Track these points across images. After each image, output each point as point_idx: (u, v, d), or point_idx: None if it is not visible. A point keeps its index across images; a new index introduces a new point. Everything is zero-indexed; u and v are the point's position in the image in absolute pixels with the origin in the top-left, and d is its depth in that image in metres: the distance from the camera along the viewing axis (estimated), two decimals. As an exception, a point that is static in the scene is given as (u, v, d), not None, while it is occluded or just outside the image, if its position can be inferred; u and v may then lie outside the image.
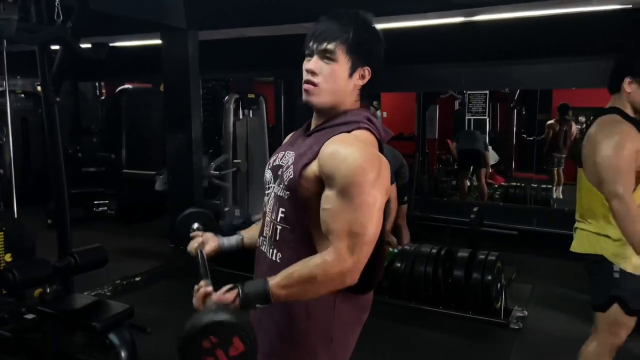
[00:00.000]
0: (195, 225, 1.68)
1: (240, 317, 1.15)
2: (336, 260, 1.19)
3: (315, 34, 1.32)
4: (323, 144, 1.27)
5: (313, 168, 1.26)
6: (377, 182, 1.21)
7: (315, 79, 1.32)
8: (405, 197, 4.58)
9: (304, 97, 1.35)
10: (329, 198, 1.23)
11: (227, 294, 1.24)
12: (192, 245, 1.59)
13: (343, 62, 1.30)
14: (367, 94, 1.38)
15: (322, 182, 1.25)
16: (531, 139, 7.64)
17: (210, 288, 1.27)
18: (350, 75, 1.32)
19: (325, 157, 1.24)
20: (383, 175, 1.24)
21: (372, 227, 1.21)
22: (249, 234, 1.63)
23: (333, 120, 1.34)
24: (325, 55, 1.30)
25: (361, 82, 1.34)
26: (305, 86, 1.34)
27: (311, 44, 1.33)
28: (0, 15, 2.50)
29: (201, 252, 1.55)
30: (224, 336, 1.09)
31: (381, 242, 1.31)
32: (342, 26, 1.30)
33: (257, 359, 1.40)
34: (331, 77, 1.31)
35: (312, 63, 1.32)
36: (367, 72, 1.33)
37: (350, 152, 1.21)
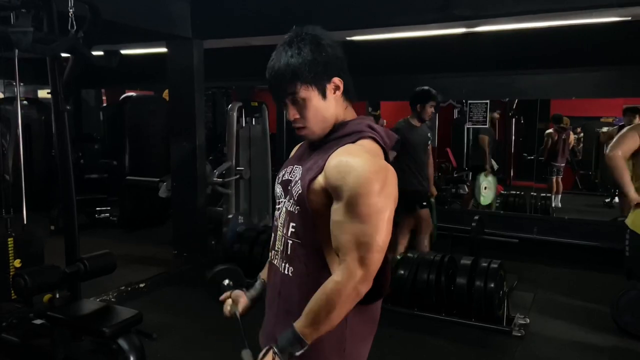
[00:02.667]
0: (226, 282, 1.72)
1: None
2: (347, 278, 1.21)
3: (271, 83, 1.33)
4: (328, 156, 1.27)
5: (319, 181, 1.27)
6: (383, 192, 1.21)
7: (300, 123, 1.34)
8: None
9: (302, 136, 1.40)
10: (336, 211, 1.24)
11: (266, 358, 1.28)
12: (226, 310, 1.60)
13: (311, 94, 1.30)
14: (351, 95, 1.37)
15: (329, 194, 1.26)
16: (531, 158, 7.70)
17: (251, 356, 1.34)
18: (324, 97, 1.31)
19: (331, 170, 1.24)
20: (390, 184, 1.24)
21: (381, 236, 1.22)
22: (266, 273, 1.62)
23: (336, 132, 1.34)
24: (293, 98, 1.31)
25: (339, 92, 1.34)
26: (298, 131, 1.37)
27: (274, 94, 1.34)
28: (16, 27, 2.54)
29: (236, 314, 1.56)
30: None
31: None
32: (288, 64, 1.29)
33: None
34: (311, 113, 1.31)
35: (289, 113, 1.34)
36: (337, 81, 1.32)
37: (356, 163, 1.22)
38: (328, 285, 1.24)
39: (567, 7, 3.72)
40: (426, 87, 4.37)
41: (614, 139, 3.15)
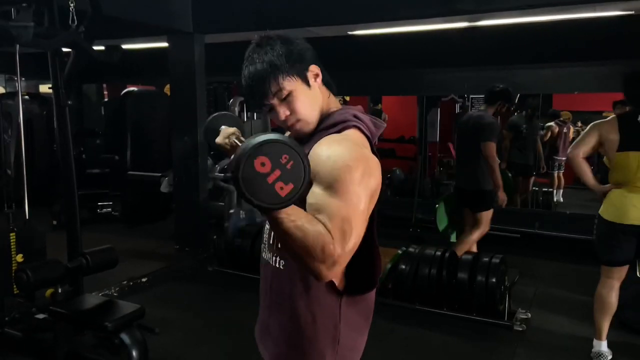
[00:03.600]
0: (224, 127, 1.69)
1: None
2: (329, 240, 1.09)
3: (252, 88, 1.30)
4: (312, 147, 1.26)
5: None
6: (363, 182, 1.17)
7: (293, 119, 1.31)
8: None
9: (297, 133, 1.34)
10: (314, 194, 1.18)
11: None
12: (228, 130, 1.61)
13: (296, 84, 1.29)
14: (328, 83, 1.37)
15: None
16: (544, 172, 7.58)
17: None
18: (309, 85, 1.31)
19: (313, 158, 1.21)
20: (371, 177, 1.20)
21: (358, 225, 1.15)
22: None
23: (322, 123, 1.33)
24: (280, 96, 1.29)
25: (319, 80, 1.34)
26: (293, 128, 1.33)
27: (257, 99, 1.31)
28: (17, 22, 2.54)
29: (238, 136, 1.58)
30: (295, 166, 1.02)
31: (374, 240, 1.30)
32: (264, 62, 1.27)
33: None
34: (301, 104, 1.30)
35: (279, 113, 1.30)
36: (315, 68, 1.32)
37: (337, 150, 1.20)
38: (319, 227, 1.10)
39: (570, 0, 3.71)
40: (509, 88, 4.40)
41: (577, 138, 3.19)
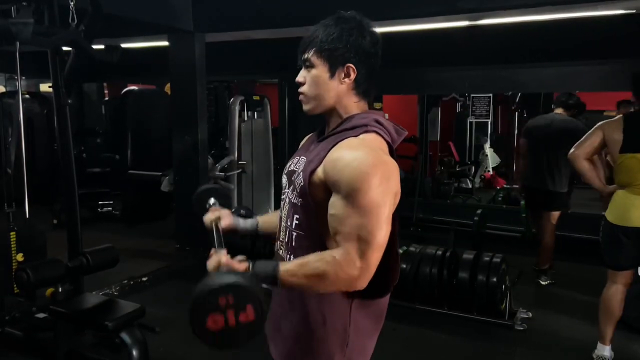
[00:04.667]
0: (212, 201, 1.69)
1: (260, 289, 1.16)
2: (346, 262, 1.18)
3: (299, 47, 1.37)
4: (329, 149, 1.26)
5: (319, 174, 1.26)
6: (382, 187, 1.19)
7: (302, 89, 1.36)
8: None
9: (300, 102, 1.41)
10: (334, 204, 1.22)
11: (239, 265, 1.26)
12: (209, 217, 1.60)
13: (320, 66, 1.32)
14: (364, 92, 1.36)
15: (329, 188, 1.24)
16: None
17: (225, 255, 1.30)
18: (332, 76, 1.31)
19: (330, 164, 1.24)
20: (390, 180, 1.22)
21: (380, 233, 1.20)
22: (264, 219, 1.64)
23: (341, 125, 1.33)
24: (306, 64, 1.35)
25: (349, 81, 1.32)
26: (299, 95, 1.38)
27: (298, 58, 1.38)
28: (17, 19, 2.53)
29: (217, 225, 1.56)
30: (241, 300, 1.09)
31: (394, 245, 1.31)
32: (315, 31, 1.33)
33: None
34: (313, 83, 1.33)
35: (299, 75, 1.37)
36: (350, 69, 1.31)
37: (354, 157, 1.20)
38: (328, 257, 1.21)
39: (572, -1, 3.71)
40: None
41: (581, 139, 3.14)
